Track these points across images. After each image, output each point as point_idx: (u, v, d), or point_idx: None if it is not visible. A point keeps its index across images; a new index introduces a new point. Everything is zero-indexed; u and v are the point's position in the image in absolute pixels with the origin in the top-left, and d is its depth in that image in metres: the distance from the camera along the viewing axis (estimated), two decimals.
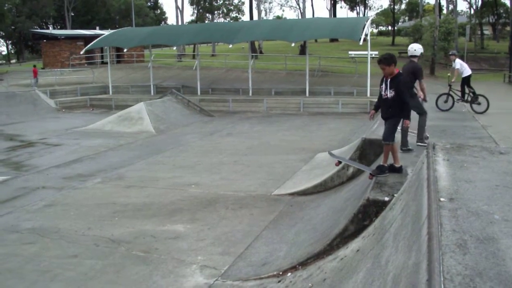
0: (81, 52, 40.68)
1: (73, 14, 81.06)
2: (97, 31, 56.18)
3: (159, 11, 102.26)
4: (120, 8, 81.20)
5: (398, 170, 8.01)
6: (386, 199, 6.81)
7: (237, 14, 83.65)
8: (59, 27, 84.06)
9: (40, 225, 9.55)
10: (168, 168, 14.27)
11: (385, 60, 7.77)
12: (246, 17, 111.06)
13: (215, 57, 50.51)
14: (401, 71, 8.03)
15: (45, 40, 55.76)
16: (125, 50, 38.57)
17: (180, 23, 59.65)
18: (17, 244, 8.61)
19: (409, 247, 4.07)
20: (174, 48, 39.97)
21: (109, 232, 8.84)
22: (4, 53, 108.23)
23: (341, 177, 10.86)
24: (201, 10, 72.02)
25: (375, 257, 4.88)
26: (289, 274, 6.56)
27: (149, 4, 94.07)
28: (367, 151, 10.89)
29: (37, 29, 73.86)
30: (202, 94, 32.45)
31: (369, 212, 6.85)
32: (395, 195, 6.63)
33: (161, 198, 11.02)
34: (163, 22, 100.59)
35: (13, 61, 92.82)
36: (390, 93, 7.78)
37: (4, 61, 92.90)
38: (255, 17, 57.04)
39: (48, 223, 9.61)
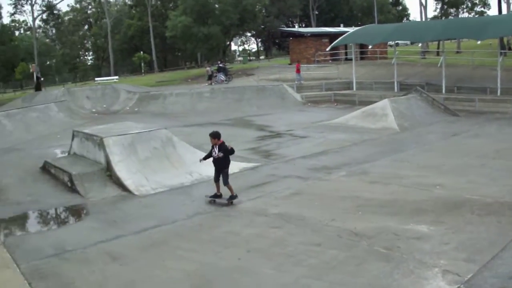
0: (327, 49, 41.75)
1: (317, 13, 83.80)
2: (341, 29, 57.30)
3: (400, 7, 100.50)
4: (363, 5, 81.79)
5: (235, 197, 11.32)
6: None
7: (482, 8, 78.82)
8: (304, 25, 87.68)
9: (286, 211, 10.14)
10: (411, 167, 13.99)
11: (212, 136, 11.39)
12: (492, 11, 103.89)
13: (460, 54, 48.16)
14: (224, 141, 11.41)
15: (291, 38, 58.54)
16: (370, 47, 38.68)
17: (423, 19, 58.07)
18: (265, 227, 9.28)
19: None
20: (419, 45, 39.08)
21: (352, 225, 8.99)
22: (254, 50, 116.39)
23: None
24: (445, 6, 69.21)
25: None
26: None
27: (391, 0, 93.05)
28: None
29: (284, 27, 77.93)
30: (447, 92, 31.13)
31: None
32: None
33: (405, 196, 10.86)
34: (405, 19, 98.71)
35: (262, 57, 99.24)
36: (220, 155, 11.17)
37: (254, 58, 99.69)
38: (504, 11, 52.87)
39: (294, 211, 10.15)
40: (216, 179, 11.44)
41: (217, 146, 11.25)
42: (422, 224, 8.96)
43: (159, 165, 13.90)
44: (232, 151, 11.37)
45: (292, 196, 11.37)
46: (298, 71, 37.38)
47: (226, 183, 11.25)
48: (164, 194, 12.51)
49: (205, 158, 11.80)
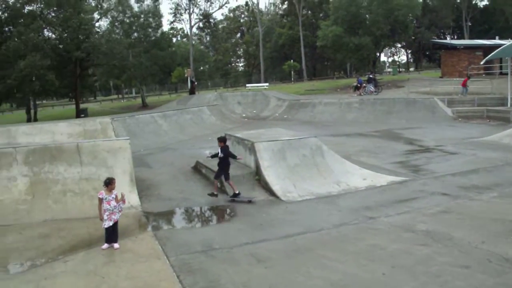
0: (481, 63, 39.94)
1: (470, 24, 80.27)
2: (496, 41, 54.58)
3: None
4: None
5: (216, 195, 13.32)
6: None
7: None
8: (455, 37, 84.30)
9: (434, 229, 9.94)
10: None
11: (218, 140, 13.71)
12: None
13: None
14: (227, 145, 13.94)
15: (443, 50, 56.74)
16: None
17: None
18: (411, 244, 9.19)
19: None
20: None
21: (504, 250, 8.61)
22: (403, 61, 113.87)
23: None
24: None
25: None
26: None
27: None
28: None
29: (435, 39, 75.66)
30: None
31: None
32: None
33: None
34: None
35: (411, 69, 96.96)
36: (221, 155, 13.36)
37: (403, 69, 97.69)
38: None
39: (442, 229, 9.92)
40: (227, 178, 13.46)
41: (219, 148, 13.52)
42: None
43: (308, 172, 14.28)
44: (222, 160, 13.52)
45: (441, 214, 11.14)
46: (464, 84, 36.24)
47: (217, 177, 13.62)
48: (311, 202, 12.84)
49: (212, 156, 14.11)
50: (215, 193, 13.42)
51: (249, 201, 13.07)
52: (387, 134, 25.69)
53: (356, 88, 43.70)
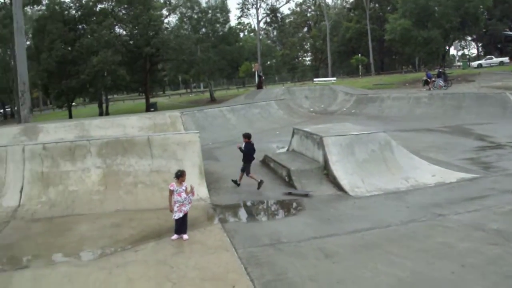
0: None
1: None
2: None
3: None
4: None
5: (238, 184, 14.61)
6: None
7: None
8: None
9: (506, 228, 9.58)
10: None
11: (243, 136, 14.61)
12: None
13: None
14: (251, 142, 14.50)
15: None
16: None
17: None
18: (482, 243, 8.89)
19: None
20: None
21: None
22: (473, 55, 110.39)
23: None
24: None
25: None
26: None
27: None
28: None
29: (507, 31, 73.07)
30: None
31: None
32: None
33: None
34: None
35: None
36: (245, 150, 14.28)
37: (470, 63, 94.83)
38: None
39: None
40: (247, 173, 14.36)
41: (244, 144, 14.42)
42: None
43: (376, 168, 14.16)
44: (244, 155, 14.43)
45: None
46: None
47: (247, 173, 14.30)
48: (379, 198, 12.70)
49: (240, 149, 14.53)
50: (257, 180, 14.19)
51: (306, 195, 13.14)
52: (456, 130, 25.04)
53: (426, 82, 42.90)
